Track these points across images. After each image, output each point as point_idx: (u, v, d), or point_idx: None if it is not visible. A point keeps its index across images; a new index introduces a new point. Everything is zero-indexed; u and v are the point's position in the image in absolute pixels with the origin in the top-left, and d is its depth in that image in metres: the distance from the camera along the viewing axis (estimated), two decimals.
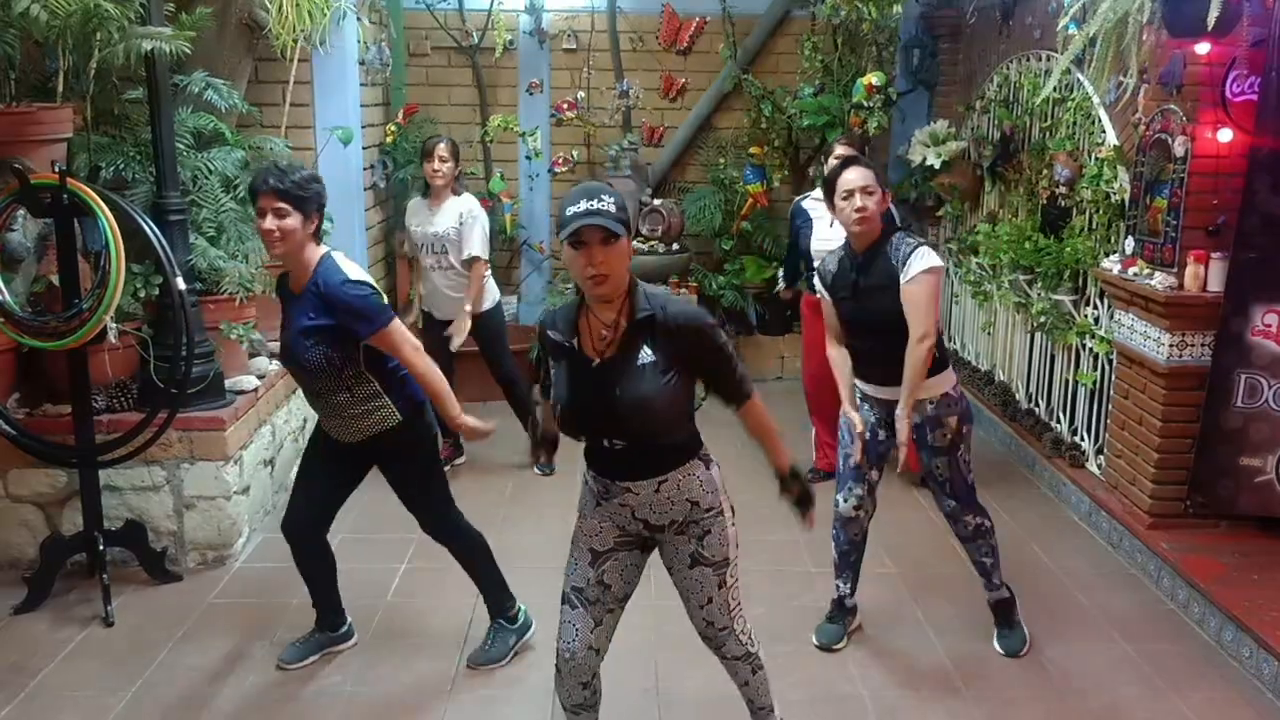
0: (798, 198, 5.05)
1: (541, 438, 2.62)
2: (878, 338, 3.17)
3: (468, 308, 4.68)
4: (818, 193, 4.67)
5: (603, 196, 2.21)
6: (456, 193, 4.75)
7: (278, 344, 3.11)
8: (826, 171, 4.05)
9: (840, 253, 3.29)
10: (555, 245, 6.68)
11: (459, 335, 4.69)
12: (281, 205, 2.81)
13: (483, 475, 4.97)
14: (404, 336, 2.92)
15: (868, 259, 3.15)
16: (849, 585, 3.47)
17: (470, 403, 5.01)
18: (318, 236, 2.94)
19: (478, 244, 4.68)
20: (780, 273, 5.38)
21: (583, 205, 2.19)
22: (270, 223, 2.81)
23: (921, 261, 3.04)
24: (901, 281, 3.05)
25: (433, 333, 4.86)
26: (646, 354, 2.30)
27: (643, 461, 2.37)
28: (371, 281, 2.97)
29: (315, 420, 3.18)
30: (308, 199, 2.86)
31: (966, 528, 3.37)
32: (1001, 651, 3.41)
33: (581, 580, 2.47)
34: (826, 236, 4.27)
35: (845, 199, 3.09)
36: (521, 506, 4.56)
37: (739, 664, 2.65)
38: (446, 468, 4.95)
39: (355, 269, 2.95)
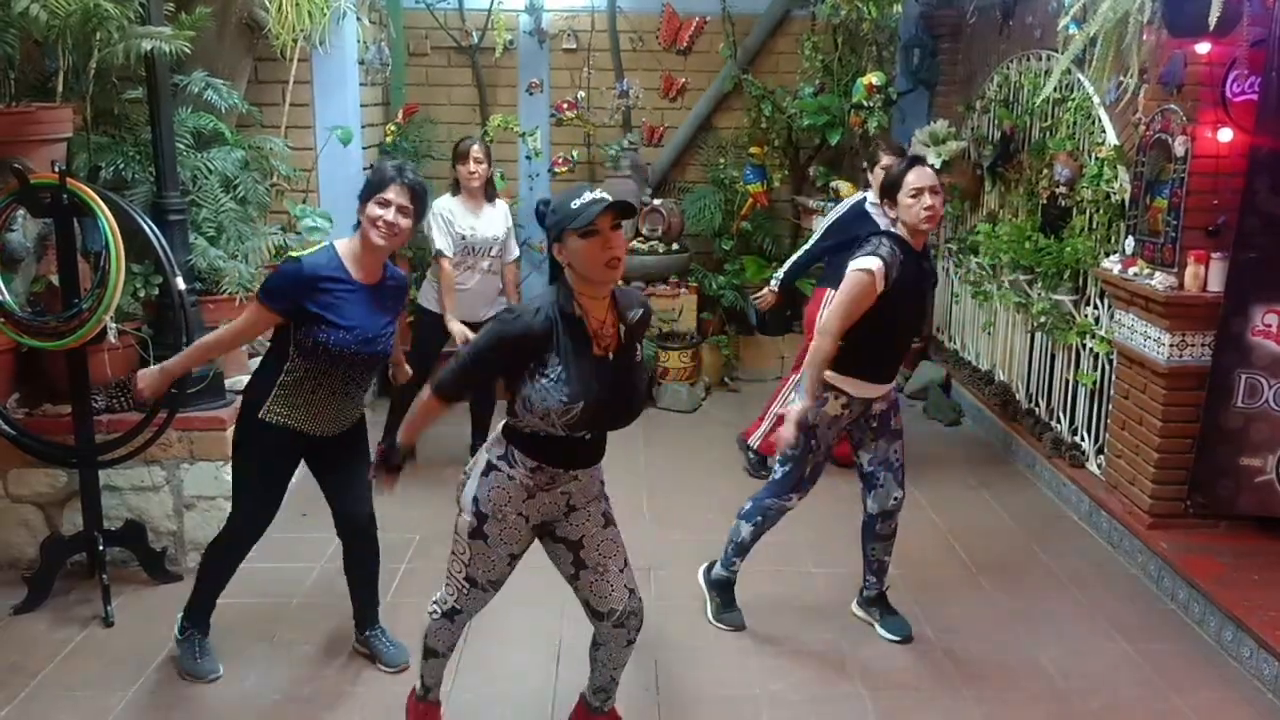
0: (856, 198, 4.72)
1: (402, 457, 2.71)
2: (912, 329, 3.28)
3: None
4: (873, 195, 4.54)
5: (597, 188, 2.34)
6: (489, 196, 4.74)
7: (346, 338, 2.89)
8: (882, 174, 4.07)
9: (895, 247, 3.13)
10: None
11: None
12: (408, 205, 2.88)
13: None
14: None
15: (925, 253, 3.24)
16: (736, 566, 3.54)
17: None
18: None
19: (516, 246, 4.90)
20: (780, 272, 4.91)
21: (587, 196, 2.29)
22: (393, 216, 2.85)
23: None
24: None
25: (427, 331, 4.80)
26: (638, 348, 2.51)
27: (599, 450, 2.55)
28: None
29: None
30: (425, 210, 3.00)
31: (892, 525, 3.42)
32: (897, 638, 3.44)
33: (498, 575, 2.61)
34: None
35: (914, 197, 3.12)
36: None
37: (634, 644, 2.70)
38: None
39: None
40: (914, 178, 3.13)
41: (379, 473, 2.73)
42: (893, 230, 3.21)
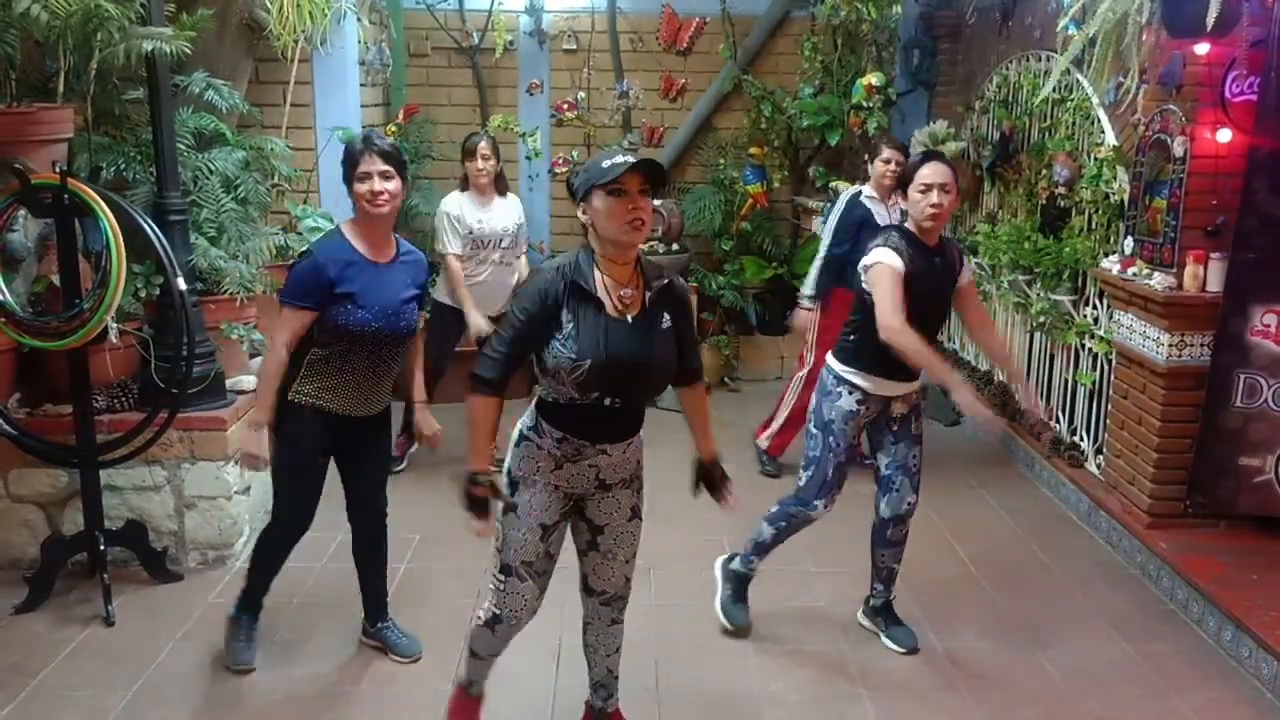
0: (851, 191, 4.69)
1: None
2: (930, 329, 3.22)
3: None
4: (868, 188, 4.59)
5: (628, 153, 2.34)
6: (500, 190, 4.77)
7: (365, 316, 2.93)
8: (882, 167, 4.41)
9: (903, 240, 3.15)
10: (555, 245, 6.69)
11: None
12: (388, 168, 2.92)
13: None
14: None
15: (940, 252, 3.21)
16: (754, 565, 3.54)
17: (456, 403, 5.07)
18: None
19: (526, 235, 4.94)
20: (809, 286, 4.65)
21: (619, 157, 2.30)
22: (380, 184, 2.90)
23: (969, 262, 3.25)
24: (962, 280, 3.23)
25: (446, 327, 4.81)
26: (665, 319, 2.46)
27: (626, 423, 2.50)
28: None
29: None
30: (404, 167, 3.00)
31: (904, 531, 3.39)
32: (903, 650, 3.40)
33: (531, 554, 2.52)
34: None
35: (922, 193, 3.11)
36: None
37: (621, 625, 2.77)
38: (404, 465, 4.95)
39: None
40: (927, 172, 3.11)
41: (473, 513, 2.45)
42: (904, 225, 3.22)
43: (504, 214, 4.75)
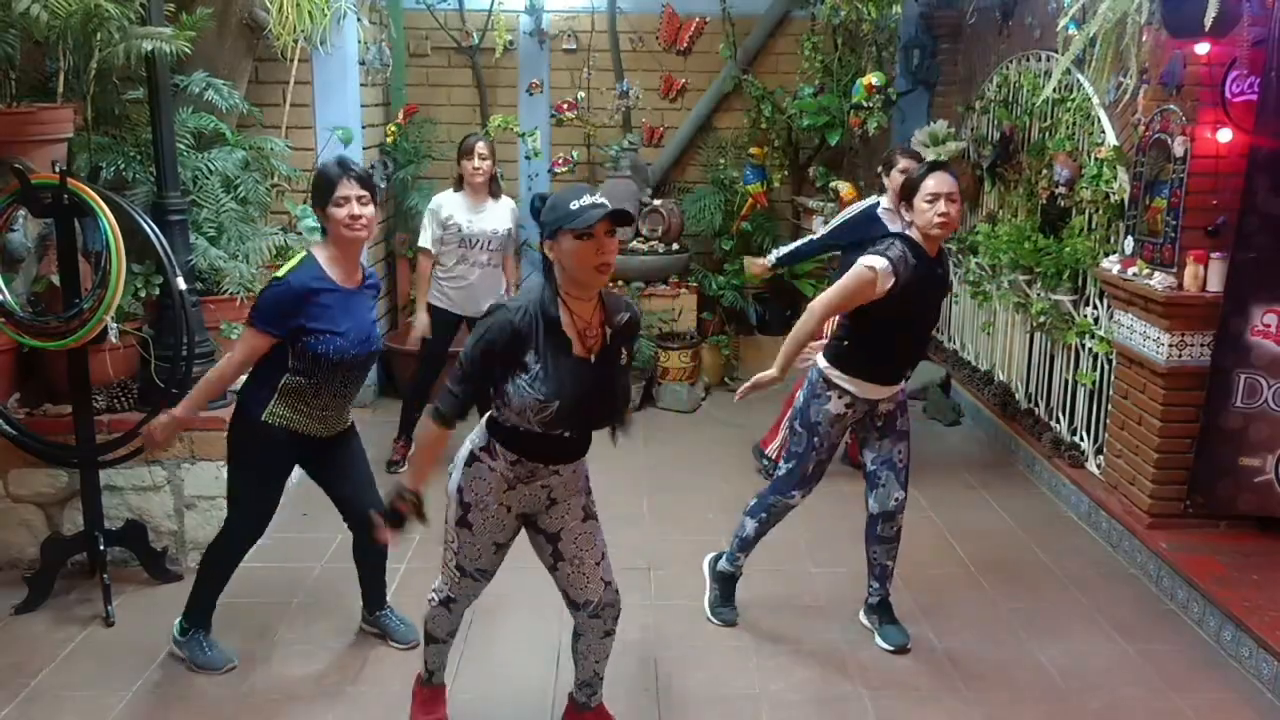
0: (869, 202, 4.61)
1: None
2: (921, 332, 3.31)
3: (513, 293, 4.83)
4: (886, 200, 4.49)
5: (597, 192, 2.37)
6: (493, 193, 4.77)
7: (344, 344, 2.94)
8: (900, 179, 4.12)
9: (906, 251, 3.15)
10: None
11: None
12: (364, 193, 2.91)
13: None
14: None
15: (940, 260, 3.24)
16: (740, 563, 3.56)
17: None
18: None
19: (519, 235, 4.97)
20: (782, 249, 4.81)
21: (586, 199, 2.32)
22: (357, 209, 2.88)
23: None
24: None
25: (437, 328, 4.85)
26: (623, 353, 2.52)
27: (579, 446, 2.56)
28: None
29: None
30: (377, 192, 3.03)
31: (894, 527, 3.41)
32: (891, 648, 3.40)
33: (487, 564, 2.66)
34: None
35: (929, 202, 3.11)
36: None
37: (613, 635, 2.74)
38: (404, 468, 4.96)
39: None
40: (933, 183, 3.12)
41: (386, 521, 2.57)
42: (906, 234, 3.20)
43: (495, 216, 4.76)
